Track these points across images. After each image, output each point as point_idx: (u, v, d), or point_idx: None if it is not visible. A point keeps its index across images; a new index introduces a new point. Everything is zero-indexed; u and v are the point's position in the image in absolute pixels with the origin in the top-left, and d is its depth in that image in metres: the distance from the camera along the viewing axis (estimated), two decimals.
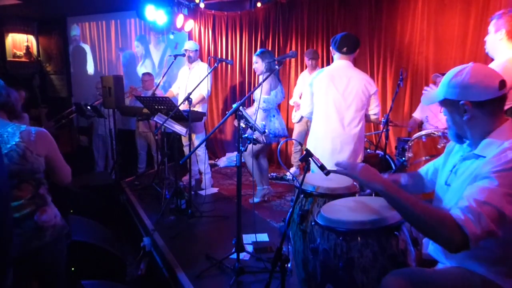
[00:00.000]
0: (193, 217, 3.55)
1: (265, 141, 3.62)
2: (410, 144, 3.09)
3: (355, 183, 2.13)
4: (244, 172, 4.46)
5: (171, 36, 5.93)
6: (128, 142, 5.56)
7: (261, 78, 3.82)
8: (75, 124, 7.01)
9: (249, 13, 5.77)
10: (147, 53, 6.53)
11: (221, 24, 5.97)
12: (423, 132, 3.33)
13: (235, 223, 2.57)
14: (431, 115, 4.01)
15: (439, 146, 2.82)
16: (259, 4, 5.60)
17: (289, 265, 2.09)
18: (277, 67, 3.05)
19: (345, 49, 2.75)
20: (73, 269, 2.33)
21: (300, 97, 4.67)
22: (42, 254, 1.70)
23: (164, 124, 3.26)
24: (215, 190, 4.57)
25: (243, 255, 2.74)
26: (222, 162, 5.88)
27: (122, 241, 3.22)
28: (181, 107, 3.48)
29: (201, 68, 4.40)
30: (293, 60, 5.43)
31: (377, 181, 1.35)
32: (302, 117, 4.78)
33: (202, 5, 5.83)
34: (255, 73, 3.94)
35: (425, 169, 1.72)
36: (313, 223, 1.69)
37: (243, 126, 2.64)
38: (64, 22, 7.18)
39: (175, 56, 4.22)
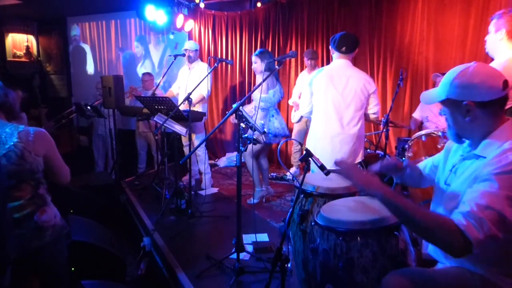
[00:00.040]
0: (193, 217, 3.55)
1: (265, 140, 3.62)
2: (410, 144, 3.09)
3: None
4: (244, 172, 4.46)
5: (171, 36, 5.93)
6: (128, 142, 5.56)
7: (258, 78, 3.82)
8: (75, 124, 7.01)
9: (249, 13, 5.77)
10: (147, 53, 6.53)
11: (221, 24, 5.97)
12: (423, 132, 3.33)
13: (235, 223, 2.57)
14: (431, 115, 4.01)
15: (439, 146, 2.82)
16: (259, 4, 5.60)
17: (289, 265, 2.09)
18: (277, 67, 3.05)
19: (344, 48, 2.74)
20: (73, 269, 2.32)
21: (299, 97, 4.67)
22: (42, 254, 1.70)
23: (164, 124, 3.26)
24: (215, 190, 4.57)
25: (243, 255, 2.74)
26: (222, 162, 5.88)
27: (122, 241, 3.22)
28: (181, 107, 3.48)
29: (201, 68, 4.40)
30: (293, 60, 5.43)
31: (376, 187, 1.33)
32: (301, 117, 4.78)
33: (202, 5, 5.83)
34: (254, 73, 3.94)
35: (423, 164, 1.73)
36: (313, 223, 1.69)
37: (243, 126, 2.64)
38: (64, 22, 7.19)
39: (175, 56, 4.22)
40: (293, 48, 5.42)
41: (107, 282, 2.36)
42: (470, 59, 4.00)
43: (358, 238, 1.48)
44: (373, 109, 2.87)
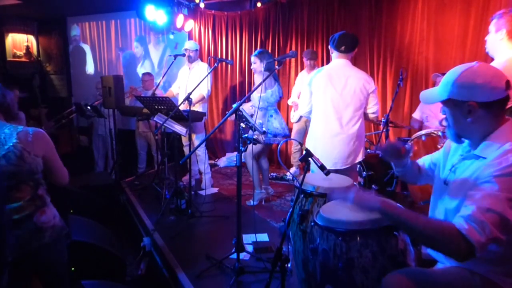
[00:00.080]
0: (193, 217, 3.55)
1: (264, 140, 3.61)
2: (410, 144, 3.09)
3: (355, 183, 2.13)
4: (244, 172, 4.46)
5: (171, 36, 5.93)
6: (128, 142, 5.56)
7: (256, 78, 3.81)
8: (75, 124, 7.01)
9: (249, 13, 5.77)
10: (147, 53, 6.53)
11: (221, 24, 5.97)
12: (423, 132, 3.33)
13: (235, 223, 2.57)
14: (431, 115, 4.01)
15: (439, 146, 2.82)
16: (259, 4, 5.60)
17: (289, 265, 2.09)
18: (277, 67, 3.05)
19: (343, 47, 2.74)
20: (73, 269, 2.33)
21: (299, 97, 4.67)
22: (42, 255, 1.70)
23: (164, 124, 3.26)
24: (215, 190, 4.57)
25: (243, 255, 2.74)
26: (222, 162, 5.88)
27: (122, 241, 3.22)
28: (181, 107, 3.48)
29: (201, 68, 4.40)
30: (293, 60, 5.43)
31: (374, 201, 1.35)
32: (301, 117, 4.78)
33: (202, 5, 5.83)
34: (254, 73, 3.95)
35: (422, 161, 1.73)
36: (312, 224, 1.69)
37: (243, 126, 2.64)
38: (64, 22, 7.18)
39: (175, 56, 4.22)
40: (293, 48, 5.42)
41: (107, 282, 2.36)
42: (470, 59, 4.00)
43: (358, 238, 1.48)
44: (373, 108, 2.87)
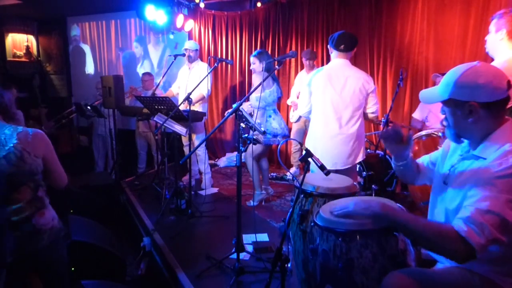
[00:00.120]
0: (193, 217, 3.55)
1: (263, 141, 3.60)
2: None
3: (355, 183, 2.13)
4: (244, 172, 4.46)
5: (171, 36, 5.93)
6: (128, 142, 5.56)
7: (254, 78, 3.80)
8: (75, 124, 7.01)
9: (249, 13, 5.77)
10: (146, 53, 6.53)
11: (221, 24, 5.97)
12: (423, 132, 3.33)
13: (235, 223, 2.57)
14: (431, 115, 4.01)
15: (439, 147, 2.82)
16: (259, 4, 5.60)
17: (289, 265, 2.09)
18: (277, 67, 3.05)
19: (342, 46, 2.74)
20: (73, 269, 2.33)
21: (298, 97, 4.67)
22: (41, 256, 1.70)
23: (164, 124, 3.26)
24: (215, 190, 4.57)
25: (243, 255, 2.74)
26: (222, 162, 5.88)
27: (122, 241, 3.22)
28: (181, 107, 3.48)
29: (201, 68, 4.40)
30: (293, 60, 5.42)
31: (375, 206, 1.36)
32: (300, 117, 4.78)
33: (202, 5, 5.83)
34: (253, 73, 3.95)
35: (421, 161, 1.73)
36: (312, 224, 1.69)
37: (243, 126, 2.64)
38: (64, 22, 7.19)
39: (175, 56, 4.22)
40: (293, 48, 5.42)
41: (107, 282, 2.36)
42: (470, 59, 4.00)
43: (358, 239, 1.47)
44: (372, 108, 2.87)
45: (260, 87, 3.42)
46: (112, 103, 4.52)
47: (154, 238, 3.19)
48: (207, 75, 3.73)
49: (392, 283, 1.33)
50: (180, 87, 4.57)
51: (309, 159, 1.85)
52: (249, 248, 2.90)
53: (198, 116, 3.96)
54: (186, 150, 4.60)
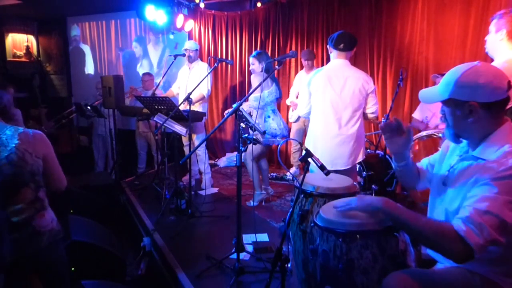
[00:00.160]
0: (193, 217, 3.55)
1: (262, 141, 3.60)
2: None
3: (355, 183, 2.13)
4: (244, 172, 4.46)
5: (171, 36, 5.93)
6: (128, 142, 5.56)
7: (252, 78, 3.80)
8: (75, 124, 7.01)
9: (249, 13, 5.77)
10: (145, 53, 6.53)
11: (221, 24, 5.97)
12: (423, 133, 3.33)
13: (235, 223, 2.57)
14: (431, 115, 4.01)
15: (439, 148, 2.82)
16: (259, 4, 5.60)
17: (289, 265, 2.09)
18: (277, 67, 3.04)
19: (342, 45, 2.73)
20: (73, 269, 2.33)
21: (297, 97, 4.67)
22: (40, 257, 1.69)
23: (164, 124, 3.26)
24: (215, 190, 4.57)
25: (243, 255, 2.74)
26: (222, 162, 5.88)
27: (122, 241, 3.22)
28: (181, 107, 3.48)
29: (201, 68, 4.40)
30: (292, 60, 5.42)
31: (377, 201, 1.38)
32: (299, 117, 4.78)
33: (202, 5, 5.83)
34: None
35: (420, 164, 1.72)
36: (312, 224, 1.69)
37: (243, 126, 2.64)
38: (64, 22, 7.19)
39: (175, 56, 4.22)
40: (293, 48, 5.42)
41: (107, 282, 2.36)
42: (470, 59, 4.00)
43: (358, 239, 1.47)
44: (372, 108, 2.86)
45: (261, 87, 3.42)
46: (112, 103, 4.52)
47: (154, 238, 3.19)
48: (207, 75, 3.73)
49: (392, 284, 1.33)
50: (180, 87, 4.57)
51: (309, 159, 1.85)
52: (249, 248, 2.90)
53: (198, 116, 3.96)
54: (186, 150, 4.60)
